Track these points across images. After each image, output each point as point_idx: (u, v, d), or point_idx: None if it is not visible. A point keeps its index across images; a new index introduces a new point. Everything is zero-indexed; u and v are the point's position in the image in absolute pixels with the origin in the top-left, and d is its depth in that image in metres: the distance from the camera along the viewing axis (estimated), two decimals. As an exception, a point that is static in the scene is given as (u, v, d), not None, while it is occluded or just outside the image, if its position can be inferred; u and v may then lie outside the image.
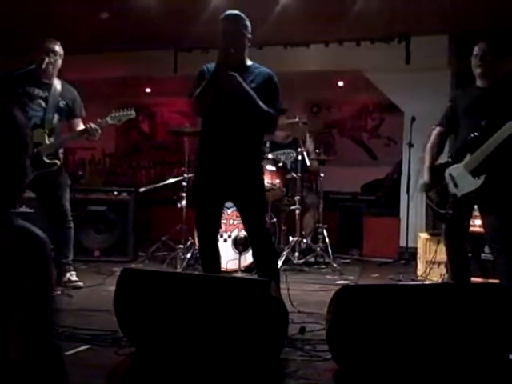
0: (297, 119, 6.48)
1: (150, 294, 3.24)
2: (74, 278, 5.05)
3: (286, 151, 6.81)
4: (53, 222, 5.04)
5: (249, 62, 3.87)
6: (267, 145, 6.69)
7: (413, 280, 5.69)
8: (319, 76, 8.42)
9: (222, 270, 5.51)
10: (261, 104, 3.61)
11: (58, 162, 4.93)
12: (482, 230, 5.00)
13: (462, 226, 4.05)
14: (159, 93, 10.22)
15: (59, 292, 4.49)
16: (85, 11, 6.61)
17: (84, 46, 7.74)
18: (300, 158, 6.36)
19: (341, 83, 9.24)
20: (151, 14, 6.53)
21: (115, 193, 6.67)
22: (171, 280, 3.42)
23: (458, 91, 4.21)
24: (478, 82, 4.00)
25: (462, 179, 3.87)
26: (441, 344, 2.87)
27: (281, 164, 6.35)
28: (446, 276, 5.29)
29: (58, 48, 4.99)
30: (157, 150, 10.72)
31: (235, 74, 3.60)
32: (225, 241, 5.84)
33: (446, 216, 4.00)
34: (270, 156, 6.32)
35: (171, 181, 6.50)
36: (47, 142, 4.87)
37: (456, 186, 3.92)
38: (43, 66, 4.85)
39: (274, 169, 6.21)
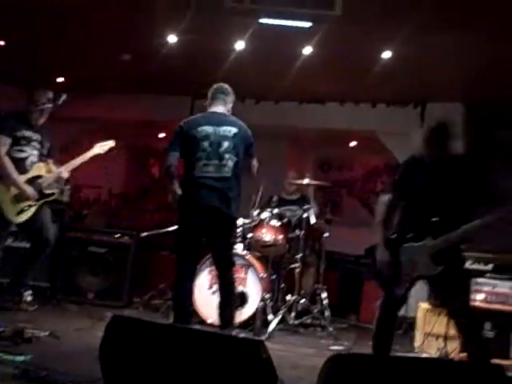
0: (306, 180, 6.48)
1: (139, 344, 3.15)
2: (29, 298, 5.48)
3: (292, 208, 6.78)
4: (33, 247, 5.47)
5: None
6: (274, 199, 6.66)
7: (409, 352, 5.54)
8: (332, 134, 8.44)
9: (214, 324, 5.39)
10: None
11: (55, 191, 5.51)
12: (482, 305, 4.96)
13: (403, 300, 4.11)
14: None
15: (47, 334, 4.39)
16: (107, 51, 6.69)
17: (102, 86, 7.83)
18: (305, 215, 6.29)
19: (353, 143, 9.23)
20: (173, 59, 6.59)
21: (117, 235, 6.63)
22: (162, 332, 3.32)
23: (407, 165, 4.19)
24: (427, 159, 4.02)
25: (419, 261, 3.86)
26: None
27: (285, 220, 6.28)
28: (444, 350, 5.17)
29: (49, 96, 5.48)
30: (165, 193, 10.67)
31: None
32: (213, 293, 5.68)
33: (396, 295, 3.98)
34: (275, 211, 6.27)
35: (174, 228, 6.43)
36: (46, 174, 5.44)
37: (411, 266, 3.89)
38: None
39: (278, 224, 6.16)
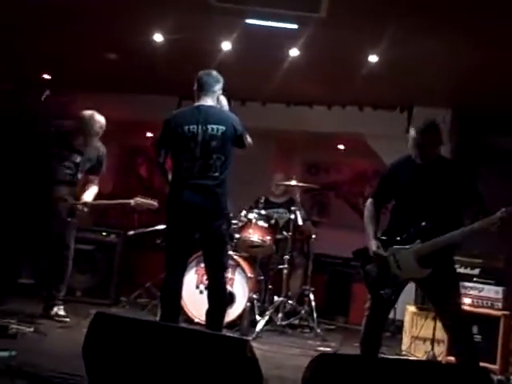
0: (294, 182, 6.45)
1: (123, 341, 3.12)
2: (61, 312, 5.26)
3: (279, 211, 6.78)
4: (54, 255, 5.31)
5: None
6: (261, 201, 6.66)
7: (397, 354, 5.53)
8: (320, 137, 8.43)
9: (201, 322, 5.37)
10: None
11: (75, 219, 5.31)
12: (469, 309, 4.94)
13: (392, 303, 4.04)
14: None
15: (32, 330, 4.36)
16: (94, 50, 6.65)
17: (89, 84, 7.77)
18: (293, 216, 6.28)
19: (341, 146, 9.23)
20: (159, 58, 6.57)
21: (104, 233, 6.60)
22: (146, 329, 3.30)
23: (395, 164, 4.19)
24: (417, 160, 3.97)
25: (406, 264, 3.82)
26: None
27: (273, 221, 6.27)
28: (431, 353, 5.17)
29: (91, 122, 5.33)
30: (152, 194, 10.60)
31: None
32: (201, 292, 5.79)
33: (383, 296, 3.92)
34: (263, 212, 6.26)
35: (161, 227, 6.39)
36: (70, 201, 5.24)
37: (399, 268, 3.85)
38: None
39: (265, 225, 6.15)
